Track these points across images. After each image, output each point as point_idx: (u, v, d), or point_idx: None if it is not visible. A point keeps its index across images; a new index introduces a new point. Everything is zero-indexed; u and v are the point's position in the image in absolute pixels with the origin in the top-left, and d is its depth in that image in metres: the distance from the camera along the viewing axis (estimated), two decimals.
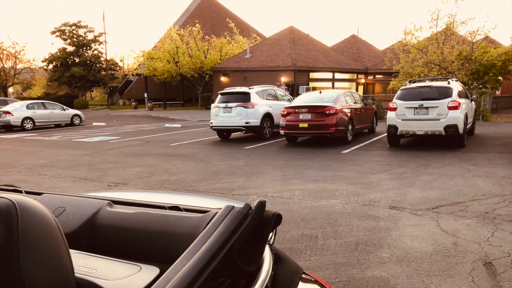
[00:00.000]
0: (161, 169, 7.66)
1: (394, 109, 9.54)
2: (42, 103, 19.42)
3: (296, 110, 10.35)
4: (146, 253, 1.10)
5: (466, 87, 14.93)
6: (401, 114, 9.42)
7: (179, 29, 34.65)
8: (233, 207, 1.00)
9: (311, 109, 10.19)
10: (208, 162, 8.41)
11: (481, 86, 17.36)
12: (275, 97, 12.89)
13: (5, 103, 21.03)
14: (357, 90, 27.47)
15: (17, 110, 17.92)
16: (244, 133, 12.52)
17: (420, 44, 19.37)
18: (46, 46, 75.16)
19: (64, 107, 20.36)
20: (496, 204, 4.77)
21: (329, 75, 27.69)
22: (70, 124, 19.94)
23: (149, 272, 0.98)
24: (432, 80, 11.00)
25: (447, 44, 18.35)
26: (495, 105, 21.89)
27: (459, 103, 8.99)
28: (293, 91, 24.53)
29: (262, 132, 11.81)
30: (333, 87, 26.86)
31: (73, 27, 43.71)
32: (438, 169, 6.99)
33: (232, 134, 13.17)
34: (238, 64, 28.94)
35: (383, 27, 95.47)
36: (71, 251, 0.85)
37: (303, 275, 1.14)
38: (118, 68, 51.66)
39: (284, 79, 25.93)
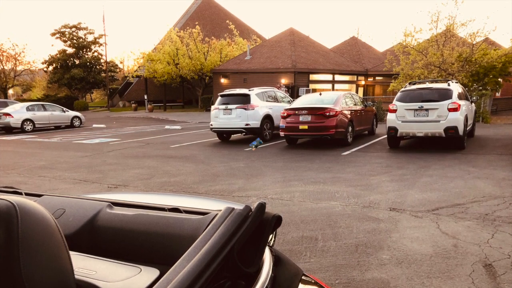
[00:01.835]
0: (161, 171, 7.66)
1: (394, 111, 9.55)
2: (42, 105, 19.42)
3: (296, 112, 10.35)
4: (146, 254, 1.10)
5: (466, 89, 14.94)
6: (401, 116, 9.42)
7: (179, 30, 34.67)
8: (233, 209, 1.01)
9: (311, 111, 10.19)
10: (208, 164, 8.40)
11: (481, 88, 17.38)
12: (275, 99, 12.91)
13: (5, 105, 21.04)
14: (357, 92, 27.49)
15: (17, 112, 17.94)
16: (244, 135, 12.53)
17: (420, 46, 19.39)
18: (46, 48, 75.56)
19: (64, 109, 20.38)
20: (496, 206, 4.77)
21: (329, 77, 27.72)
22: (70, 126, 19.95)
23: (149, 274, 0.98)
24: (432, 82, 11.01)
25: (447, 46, 18.37)
26: (495, 107, 21.90)
27: (459, 105, 8.99)
28: (293, 93, 24.56)
29: (262, 134, 11.81)
30: (333, 89, 26.88)
31: (73, 29, 43.73)
32: (438, 171, 6.99)
33: (232, 136, 13.17)
34: (238, 66, 28.96)
35: (383, 29, 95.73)
36: (71, 252, 0.85)
37: (303, 277, 1.14)
38: (118, 70, 51.63)
39: (284, 81, 25.95)
